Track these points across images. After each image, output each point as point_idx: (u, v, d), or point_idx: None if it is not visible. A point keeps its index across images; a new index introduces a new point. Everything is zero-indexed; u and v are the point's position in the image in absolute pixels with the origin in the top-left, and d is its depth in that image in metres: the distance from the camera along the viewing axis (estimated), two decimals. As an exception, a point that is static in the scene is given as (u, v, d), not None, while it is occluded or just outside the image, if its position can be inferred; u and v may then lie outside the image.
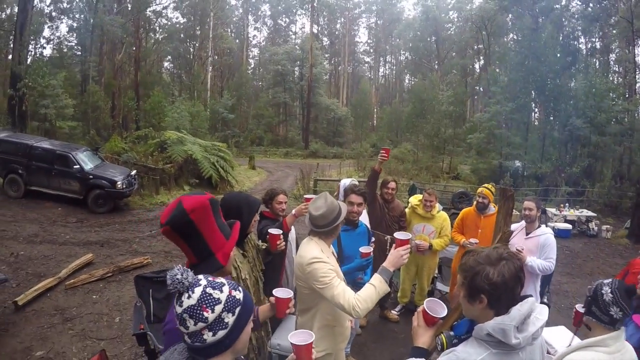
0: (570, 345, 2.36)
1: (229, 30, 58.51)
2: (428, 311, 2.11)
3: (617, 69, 38.10)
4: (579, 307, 2.53)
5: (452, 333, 2.01)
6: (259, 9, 63.39)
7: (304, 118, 52.47)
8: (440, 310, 2.14)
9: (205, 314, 1.44)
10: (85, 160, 13.44)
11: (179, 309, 1.46)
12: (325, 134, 51.98)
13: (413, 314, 5.74)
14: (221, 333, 1.48)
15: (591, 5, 33.29)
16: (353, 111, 52.98)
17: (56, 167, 12.97)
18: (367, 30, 70.68)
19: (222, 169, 18.70)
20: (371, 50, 70.41)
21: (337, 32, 67.15)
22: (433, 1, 53.96)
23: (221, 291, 1.50)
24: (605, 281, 2.36)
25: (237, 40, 59.02)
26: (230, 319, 1.49)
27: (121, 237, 10.58)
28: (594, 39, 38.04)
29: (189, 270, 1.53)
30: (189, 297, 1.46)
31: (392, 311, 6.63)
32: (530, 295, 1.79)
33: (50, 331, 5.83)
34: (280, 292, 2.55)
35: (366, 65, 72.43)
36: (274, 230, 3.59)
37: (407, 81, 66.63)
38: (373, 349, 5.66)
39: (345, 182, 5.36)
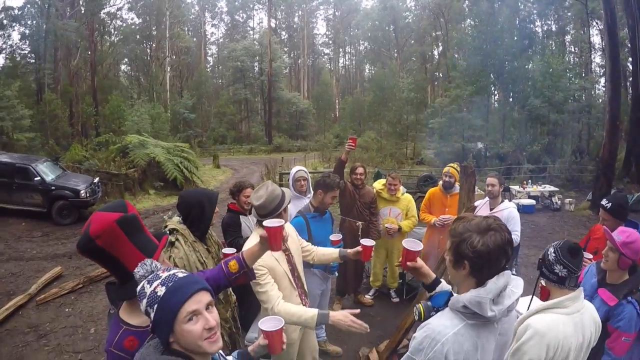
0: (529, 308, 2.41)
1: (186, 28, 57.83)
2: (408, 248, 2.34)
3: (573, 50, 39.54)
4: (545, 282, 2.59)
5: (429, 303, 2.07)
6: (215, 5, 62.95)
7: (265, 113, 52.30)
8: (416, 246, 2.37)
9: (141, 305, 1.53)
10: (46, 172, 13.03)
11: None
12: (288, 128, 52.09)
13: (386, 297, 5.85)
14: (151, 325, 1.53)
15: None
16: (315, 103, 53.18)
17: (16, 181, 12.50)
18: (326, 22, 71.12)
19: (187, 169, 18.47)
20: (330, 42, 70.59)
21: (295, 26, 67.27)
22: (390, -10, 54.31)
23: (150, 285, 1.54)
24: (554, 243, 2.41)
25: (195, 39, 58.45)
26: (152, 314, 1.51)
27: (89, 247, 10.43)
28: (549, 22, 39.08)
29: (146, 263, 1.62)
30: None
31: (366, 296, 6.71)
32: (507, 268, 1.82)
33: (25, 349, 5.70)
34: (271, 222, 2.43)
35: (326, 57, 72.60)
36: (227, 250, 3.56)
37: (367, 71, 67.14)
38: (350, 334, 5.69)
39: (293, 171, 5.36)
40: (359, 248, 3.31)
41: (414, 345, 1.79)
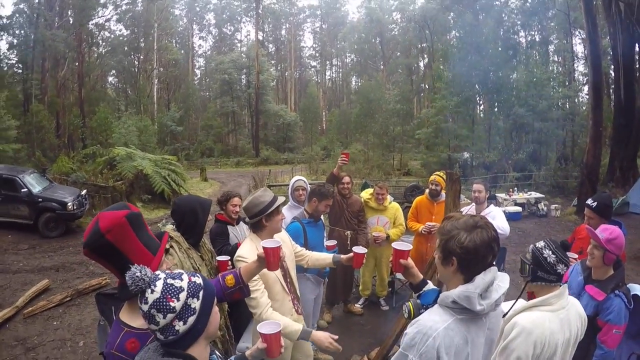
0: (512, 307, 2.47)
1: (174, 41, 57.53)
2: (398, 248, 2.43)
3: (556, 59, 40.79)
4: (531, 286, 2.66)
5: (418, 301, 2.12)
6: (203, 18, 62.60)
7: (253, 126, 51.98)
8: (405, 246, 2.46)
9: (171, 304, 1.47)
10: (33, 183, 12.85)
11: (145, 307, 1.48)
12: (276, 141, 51.75)
13: (376, 305, 5.91)
14: (191, 319, 1.51)
15: (529, 0, 34.72)
16: (302, 116, 52.88)
17: (3, 192, 12.27)
18: (312, 35, 71.10)
19: (174, 182, 18.42)
20: (317, 55, 70.65)
21: (282, 38, 67.13)
22: (376, 3, 55.09)
23: (181, 279, 1.54)
24: (538, 245, 2.48)
25: (182, 51, 58.00)
26: (196, 303, 1.53)
27: (76, 260, 10.25)
28: (533, 32, 40.08)
29: (147, 267, 1.55)
30: (152, 291, 1.49)
31: (356, 305, 6.74)
32: (494, 265, 1.88)
33: (13, 363, 5.65)
34: (268, 243, 2.53)
35: (312, 69, 72.52)
36: (221, 258, 3.63)
37: (353, 83, 67.50)
38: (341, 343, 5.66)
39: (293, 181, 5.48)
40: (351, 254, 3.38)
41: (406, 342, 1.82)
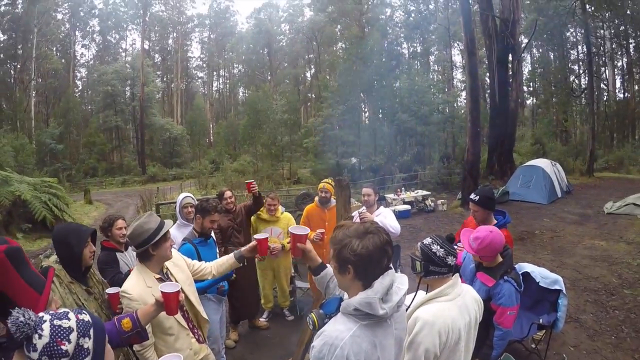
0: (413, 301, 2.59)
1: (54, 48, 53.38)
2: (295, 232, 2.47)
3: (436, 68, 44.24)
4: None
5: (322, 311, 2.07)
6: (87, 24, 58.35)
7: (138, 141, 50.06)
8: (303, 230, 2.50)
9: (63, 347, 1.36)
10: None
11: (35, 355, 1.34)
12: (162, 156, 50.30)
13: (280, 316, 5.98)
14: (92, 355, 1.41)
15: (413, 15, 37.88)
16: (189, 129, 52.20)
17: None
18: (200, 45, 70.25)
19: (56, 207, 16.99)
20: (204, 65, 69.74)
21: (169, 48, 65.60)
22: (266, 14, 55.81)
23: (68, 319, 1.42)
24: (426, 242, 2.59)
25: (63, 60, 53.93)
26: (89, 343, 1.42)
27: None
28: (415, 44, 43.35)
29: (29, 310, 1.40)
30: (40, 336, 1.35)
31: (260, 319, 6.61)
32: (391, 268, 1.91)
33: None
34: (167, 287, 2.46)
35: (199, 80, 71.43)
36: (111, 290, 3.25)
37: (241, 94, 67.63)
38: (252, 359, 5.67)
39: (180, 198, 5.28)
40: (253, 243, 3.23)
41: (315, 355, 1.81)
